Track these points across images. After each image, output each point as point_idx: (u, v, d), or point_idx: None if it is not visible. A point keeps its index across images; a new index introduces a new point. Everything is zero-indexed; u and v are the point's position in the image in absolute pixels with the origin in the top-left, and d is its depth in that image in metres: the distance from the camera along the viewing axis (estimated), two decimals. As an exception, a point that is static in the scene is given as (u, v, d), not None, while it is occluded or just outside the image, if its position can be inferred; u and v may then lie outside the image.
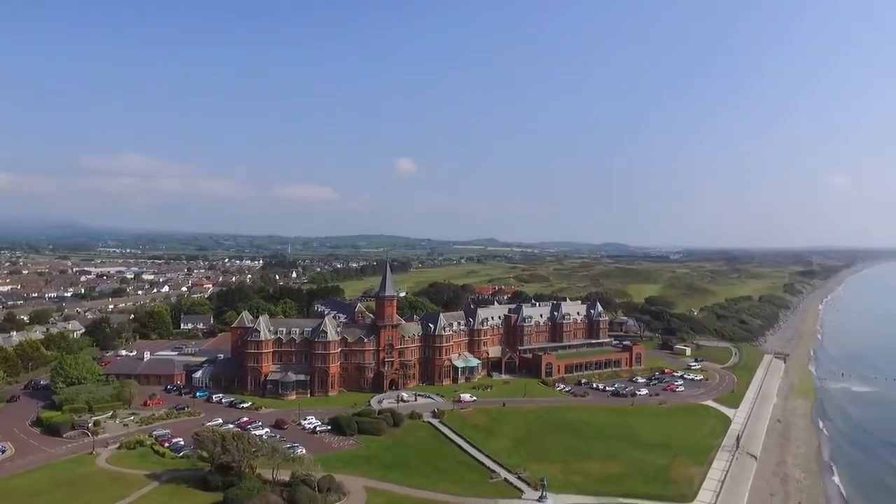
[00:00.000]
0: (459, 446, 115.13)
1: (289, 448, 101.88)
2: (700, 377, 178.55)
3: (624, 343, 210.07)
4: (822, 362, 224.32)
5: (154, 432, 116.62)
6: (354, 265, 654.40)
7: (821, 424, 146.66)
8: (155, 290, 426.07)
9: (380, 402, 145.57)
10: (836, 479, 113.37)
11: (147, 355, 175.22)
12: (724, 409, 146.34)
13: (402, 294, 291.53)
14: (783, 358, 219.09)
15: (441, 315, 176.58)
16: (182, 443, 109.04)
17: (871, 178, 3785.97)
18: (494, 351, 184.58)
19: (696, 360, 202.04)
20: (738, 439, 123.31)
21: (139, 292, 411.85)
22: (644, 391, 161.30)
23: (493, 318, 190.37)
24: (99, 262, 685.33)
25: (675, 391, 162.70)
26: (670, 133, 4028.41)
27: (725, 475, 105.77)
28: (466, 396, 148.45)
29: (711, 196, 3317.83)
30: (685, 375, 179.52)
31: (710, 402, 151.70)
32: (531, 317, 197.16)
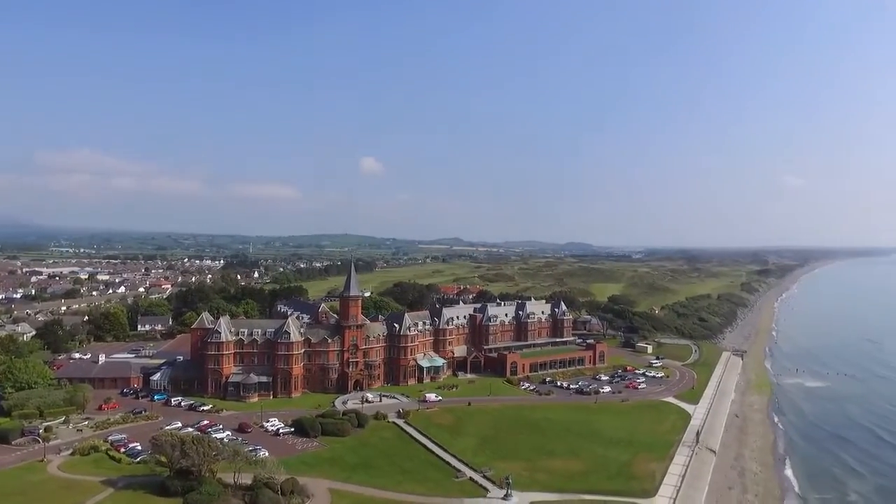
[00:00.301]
0: (425, 446, 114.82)
1: (251, 451, 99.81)
2: (661, 374, 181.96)
3: (587, 341, 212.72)
4: (777, 359, 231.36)
5: (109, 437, 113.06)
6: (318, 265, 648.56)
7: (776, 419, 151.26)
8: (110, 291, 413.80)
9: (344, 402, 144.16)
10: (789, 471, 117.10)
11: (102, 358, 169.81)
12: (684, 405, 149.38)
13: (367, 294, 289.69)
14: (741, 355, 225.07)
15: (406, 315, 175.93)
16: (139, 448, 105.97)
17: (824, 179, 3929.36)
18: (460, 350, 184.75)
19: (658, 358, 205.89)
20: (697, 435, 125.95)
21: (94, 293, 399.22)
22: (607, 389, 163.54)
23: (458, 317, 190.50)
24: (51, 262, 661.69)
25: (637, 388, 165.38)
26: (633, 134, 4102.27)
27: (686, 470, 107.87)
28: (432, 396, 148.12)
29: (672, 196, 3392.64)
30: (647, 373, 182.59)
31: (670, 399, 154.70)
32: (496, 316, 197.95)
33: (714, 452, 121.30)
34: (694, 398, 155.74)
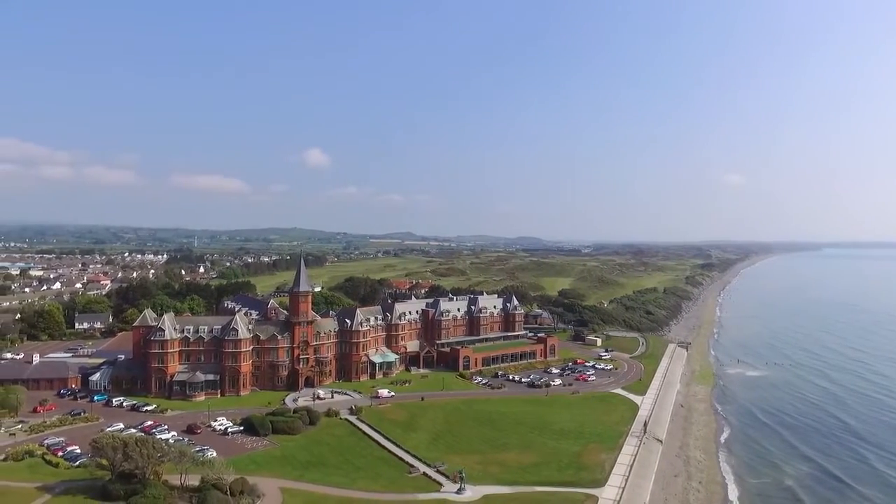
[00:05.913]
0: (378, 442, 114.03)
1: (198, 451, 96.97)
2: (610, 367, 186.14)
3: (539, 335, 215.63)
4: (720, 349, 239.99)
5: (45, 441, 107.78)
6: (266, 259, 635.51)
7: (719, 408, 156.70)
8: (45, 288, 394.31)
9: (295, 400, 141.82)
10: (730, 458, 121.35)
11: (36, 358, 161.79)
12: (632, 396, 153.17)
13: (318, 289, 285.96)
14: (686, 346, 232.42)
15: (358, 310, 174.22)
16: (78, 451, 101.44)
17: (762, 177, 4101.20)
18: (412, 345, 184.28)
19: (607, 351, 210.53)
20: (645, 425, 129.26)
21: (26, 290, 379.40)
22: (558, 381, 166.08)
23: (410, 312, 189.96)
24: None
25: (587, 381, 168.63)
26: (586, 132, 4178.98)
27: (634, 459, 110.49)
28: (384, 392, 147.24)
29: (621, 192, 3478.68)
30: (596, 365, 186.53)
31: (619, 391, 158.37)
32: (448, 311, 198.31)
33: (661, 442, 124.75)
34: (641, 389, 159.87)
